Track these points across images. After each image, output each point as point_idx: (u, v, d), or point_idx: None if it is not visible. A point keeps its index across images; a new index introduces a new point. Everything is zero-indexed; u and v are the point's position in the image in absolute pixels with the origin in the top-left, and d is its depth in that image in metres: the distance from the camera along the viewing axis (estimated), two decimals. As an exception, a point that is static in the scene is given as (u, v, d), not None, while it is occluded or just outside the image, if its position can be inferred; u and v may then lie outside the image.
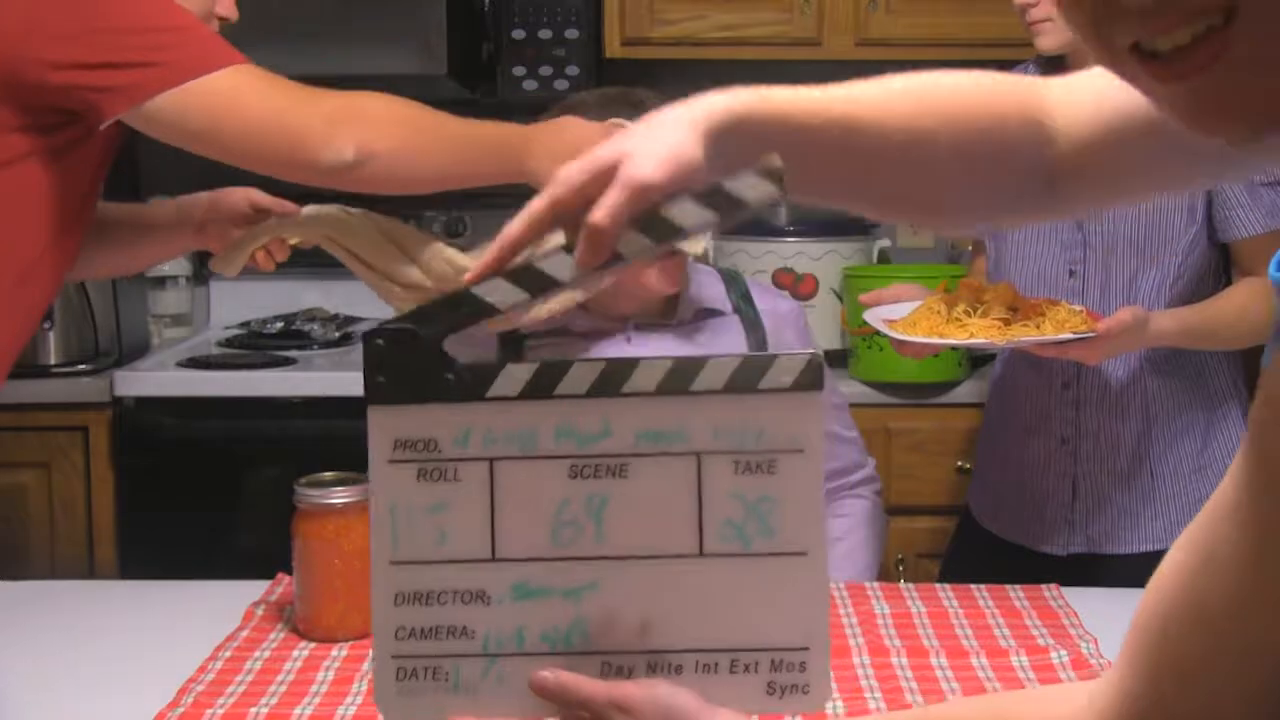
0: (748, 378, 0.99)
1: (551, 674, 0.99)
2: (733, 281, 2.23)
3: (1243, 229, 2.09)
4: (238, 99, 1.73)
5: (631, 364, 0.99)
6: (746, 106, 1.05)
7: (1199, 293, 2.12)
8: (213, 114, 1.73)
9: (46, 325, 2.92)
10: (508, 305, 1.00)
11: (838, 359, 2.95)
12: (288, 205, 1.95)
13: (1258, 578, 0.72)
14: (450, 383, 1.00)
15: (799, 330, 2.24)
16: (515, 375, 1.00)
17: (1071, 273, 2.15)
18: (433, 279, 1.93)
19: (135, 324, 3.13)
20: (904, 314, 2.06)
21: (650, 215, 0.98)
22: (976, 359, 2.93)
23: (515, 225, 1.01)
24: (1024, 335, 1.94)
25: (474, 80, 3.14)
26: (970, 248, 2.50)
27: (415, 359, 1.00)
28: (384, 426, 1.01)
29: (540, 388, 0.99)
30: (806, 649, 1.00)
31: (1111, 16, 0.71)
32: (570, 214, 1.00)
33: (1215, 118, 0.72)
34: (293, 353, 3.10)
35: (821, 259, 3.04)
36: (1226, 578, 0.73)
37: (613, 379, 0.99)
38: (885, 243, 3.16)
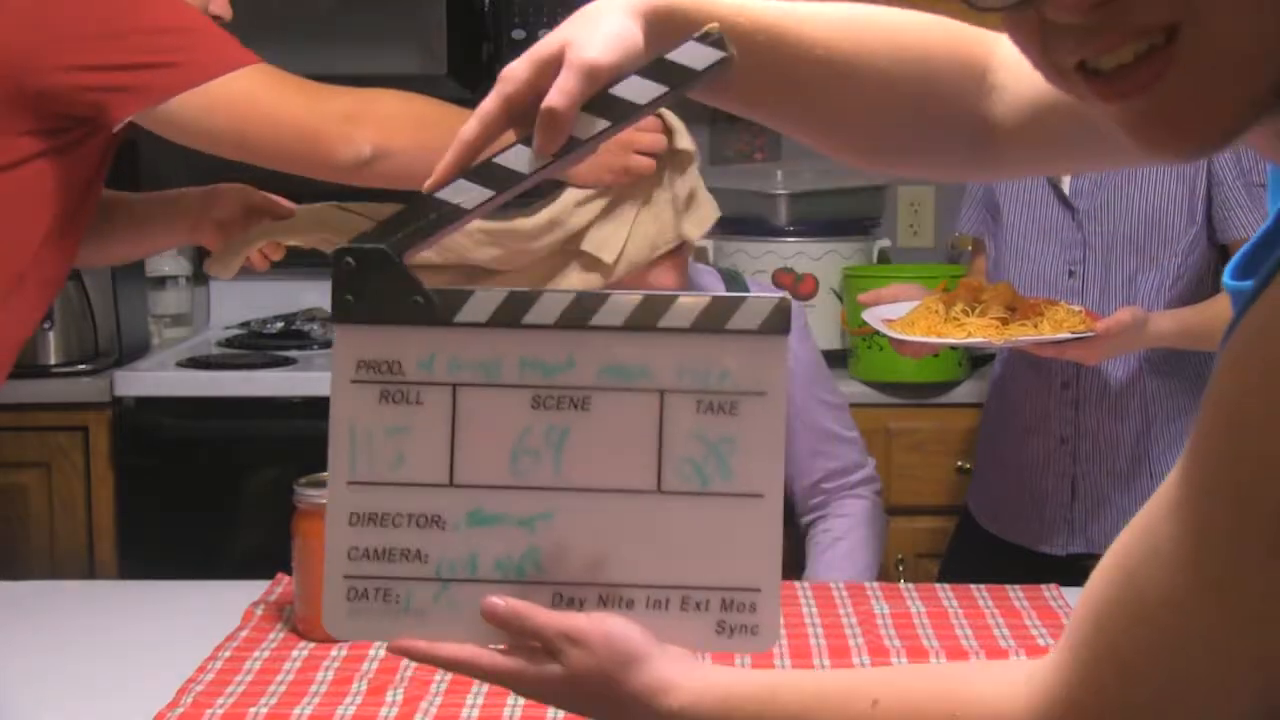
0: (715, 318, 0.99)
1: (503, 601, 0.99)
2: (732, 281, 2.24)
3: (1242, 229, 2.09)
4: (254, 99, 1.74)
5: (601, 297, 0.99)
6: (680, 1, 1.04)
7: (1199, 293, 2.13)
8: (229, 114, 1.74)
9: (46, 325, 2.92)
10: (473, 204, 1.00)
11: (838, 359, 2.95)
12: (282, 203, 1.95)
13: (1197, 576, 0.73)
14: (418, 305, 1.00)
15: (798, 330, 2.24)
16: (484, 302, 1.00)
17: (1071, 273, 2.15)
18: (445, 255, 1.92)
19: (135, 324, 3.13)
20: (902, 314, 2.06)
21: (602, 96, 0.99)
22: (976, 359, 2.93)
23: (469, 126, 1.01)
24: (1022, 335, 1.94)
25: (474, 80, 3.14)
26: (970, 248, 2.50)
27: (385, 280, 1.00)
28: (349, 345, 1.01)
29: (508, 316, 1.00)
30: (758, 590, 1.00)
31: (1055, 37, 0.72)
32: (522, 109, 1.01)
33: (1159, 135, 0.73)
34: (293, 353, 3.10)
35: (821, 259, 3.04)
36: (1166, 573, 0.74)
37: (581, 311, 0.99)
38: (885, 243, 3.16)
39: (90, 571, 2.91)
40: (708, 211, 2.00)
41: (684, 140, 1.95)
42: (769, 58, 1.06)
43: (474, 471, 1.00)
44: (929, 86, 1.10)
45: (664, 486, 1.00)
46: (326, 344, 3.19)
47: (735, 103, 1.11)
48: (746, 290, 2.22)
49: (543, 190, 1.94)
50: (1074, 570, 2.05)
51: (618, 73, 0.99)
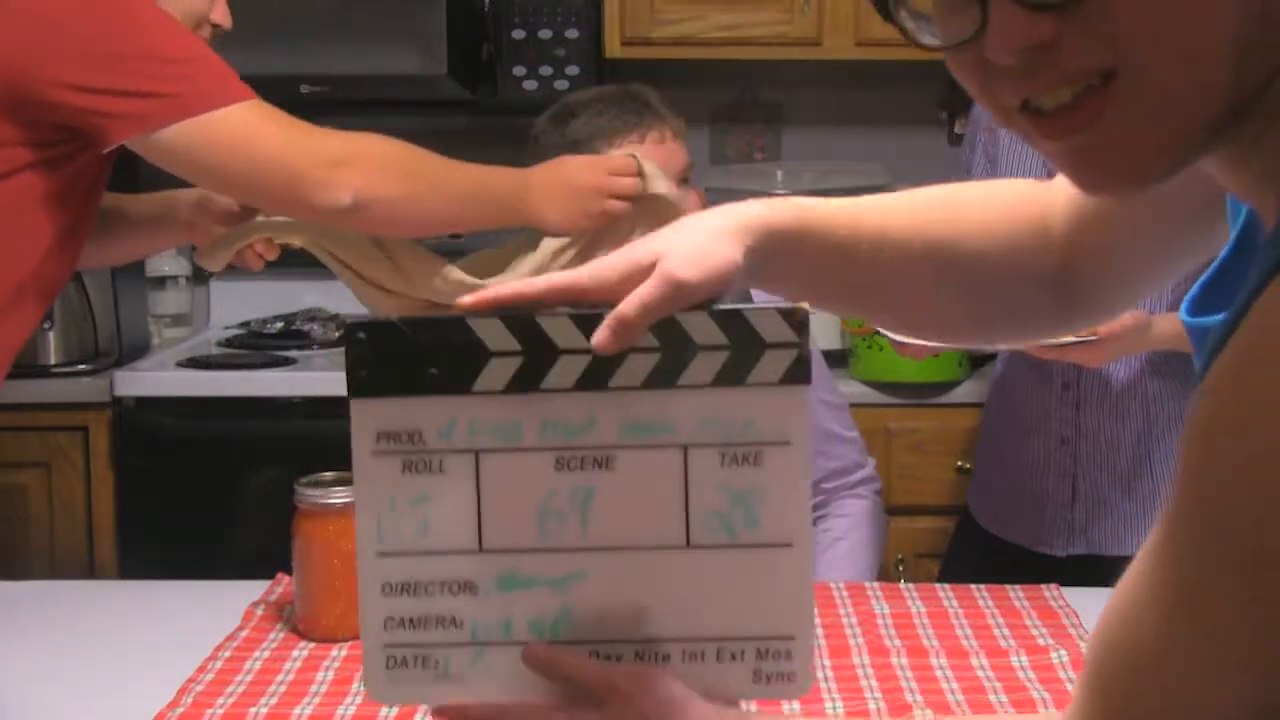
0: (735, 372, 0.99)
1: (543, 647, 1.00)
2: (733, 281, 2.23)
3: None
4: (242, 136, 1.76)
5: (618, 359, 0.98)
6: (782, 220, 1.05)
7: None
8: (217, 150, 1.76)
9: (46, 325, 2.92)
10: (496, 348, 0.99)
11: (838, 359, 2.95)
12: None
13: (1179, 624, 0.72)
14: (434, 376, 1.00)
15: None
16: (500, 370, 0.99)
17: None
18: (421, 291, 1.93)
19: (135, 324, 3.13)
20: None
21: (668, 319, 0.98)
22: (976, 359, 2.93)
23: (534, 285, 1.00)
24: None
25: (474, 80, 3.14)
26: None
27: (398, 353, 1.00)
28: (367, 418, 1.01)
29: (526, 382, 0.99)
30: (792, 638, 1.00)
31: (995, 78, 0.73)
32: (595, 302, 1.00)
33: (1098, 172, 0.75)
34: (293, 353, 3.10)
35: (821, 259, 3.04)
36: (1153, 621, 0.74)
37: (599, 373, 0.99)
38: (885, 243, 3.16)
39: (90, 571, 2.91)
40: None
41: (658, 185, 1.95)
42: (870, 262, 1.08)
43: (502, 536, 1.00)
44: (1009, 255, 1.11)
45: (693, 541, 1.00)
46: (326, 344, 3.19)
47: (843, 308, 1.16)
48: (746, 290, 2.22)
49: (518, 231, 1.96)
50: (1075, 571, 2.05)
51: (704, 293, 0.99)
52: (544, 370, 0.99)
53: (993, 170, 2.22)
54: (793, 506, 0.99)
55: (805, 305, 1.00)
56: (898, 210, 1.11)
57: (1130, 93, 0.71)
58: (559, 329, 0.99)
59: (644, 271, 0.98)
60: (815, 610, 1.02)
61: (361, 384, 1.00)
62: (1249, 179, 0.77)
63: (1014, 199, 1.13)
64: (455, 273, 1.92)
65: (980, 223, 1.11)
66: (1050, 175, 2.27)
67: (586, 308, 0.99)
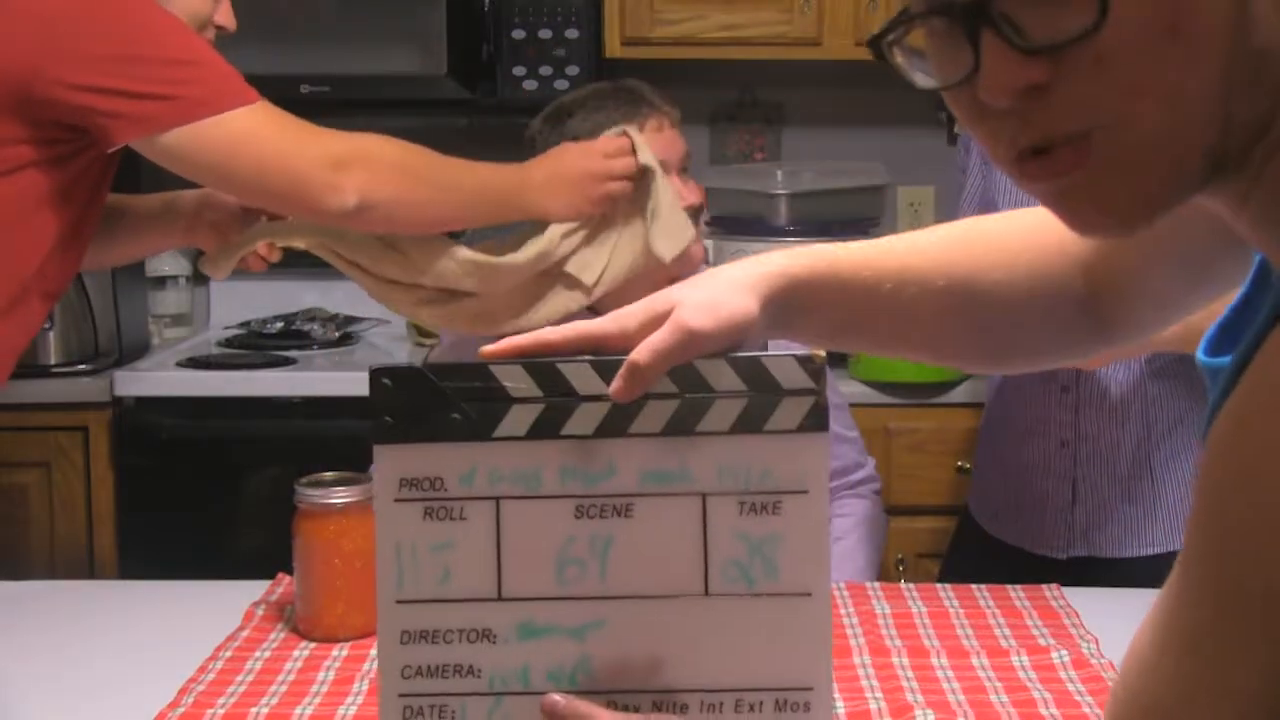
0: (753, 419, 0.99)
1: (563, 698, 1.00)
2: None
3: None
4: (247, 138, 1.77)
5: (637, 405, 0.99)
6: (804, 268, 1.06)
7: None
8: (222, 153, 1.77)
9: (46, 325, 2.92)
10: (519, 395, 1.00)
11: (838, 359, 2.95)
12: None
13: (1191, 677, 0.71)
14: (456, 422, 1.00)
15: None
16: (522, 415, 1.00)
17: None
18: (433, 279, 1.94)
19: (135, 324, 3.13)
20: None
21: (686, 366, 0.99)
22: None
23: (556, 333, 1.02)
24: None
25: (474, 80, 3.14)
26: None
27: (421, 398, 1.00)
28: (390, 465, 1.01)
29: (547, 427, 0.99)
30: (810, 689, 1.00)
31: (989, 116, 0.74)
32: (613, 348, 1.02)
33: (1087, 213, 0.75)
34: (293, 353, 3.10)
35: (821, 259, 3.04)
36: (1173, 672, 0.72)
37: (618, 420, 0.99)
38: (885, 243, 3.16)
39: (90, 571, 2.91)
40: (677, 225, 2.00)
41: (645, 155, 1.98)
42: (894, 302, 1.08)
43: (522, 584, 1.00)
44: (1036, 283, 1.11)
45: (711, 589, 1.00)
46: (326, 344, 3.19)
47: (870, 348, 1.15)
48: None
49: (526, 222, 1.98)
50: (1074, 573, 2.04)
51: (717, 342, 1.00)
52: (565, 416, 0.99)
53: (988, 171, 2.22)
54: (811, 556, 0.99)
55: (822, 352, 1.00)
56: (918, 248, 1.11)
57: (1113, 137, 0.71)
58: (579, 375, 0.99)
59: (661, 320, 0.99)
60: (831, 661, 1.02)
61: (386, 430, 1.00)
62: (1249, 219, 0.76)
63: (1036, 227, 1.12)
64: (464, 252, 1.94)
65: (1003, 253, 1.11)
66: None
67: (607, 355, 1.00)
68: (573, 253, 1.98)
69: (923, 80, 0.76)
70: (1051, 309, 1.12)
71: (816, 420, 0.99)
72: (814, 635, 1.00)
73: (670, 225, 2.00)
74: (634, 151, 1.97)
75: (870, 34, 0.77)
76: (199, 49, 1.80)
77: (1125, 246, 1.07)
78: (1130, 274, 1.09)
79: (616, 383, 0.98)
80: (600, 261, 1.99)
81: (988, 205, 2.25)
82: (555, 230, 1.96)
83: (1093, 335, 1.15)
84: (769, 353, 1.01)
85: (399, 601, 1.01)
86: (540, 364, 1.00)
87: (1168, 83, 0.70)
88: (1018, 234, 1.13)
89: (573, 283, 1.99)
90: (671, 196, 2.01)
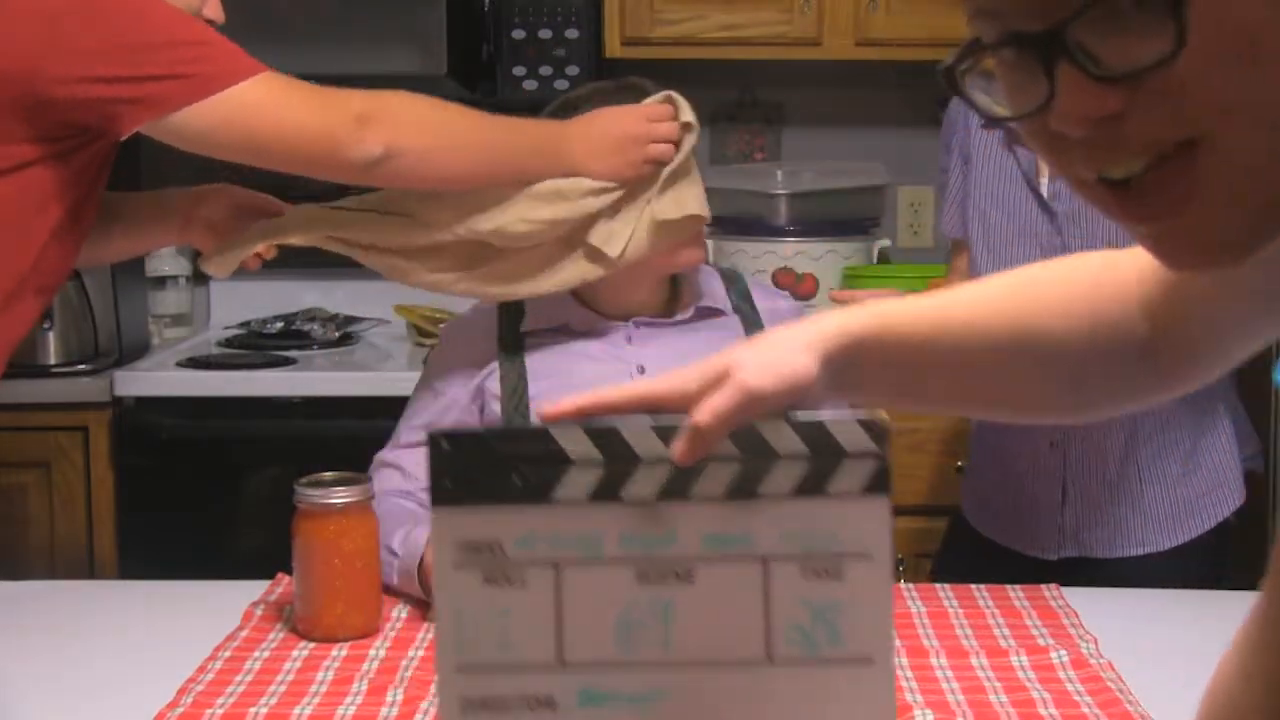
0: (815, 482, 0.98)
1: None
2: (733, 281, 2.23)
3: None
4: (264, 107, 1.77)
5: (698, 468, 0.98)
6: (861, 325, 1.05)
7: None
8: (241, 124, 1.76)
9: (46, 325, 2.92)
10: (577, 457, 0.99)
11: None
12: (272, 203, 1.96)
13: None
14: (515, 485, 0.99)
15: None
16: (581, 477, 0.99)
17: None
18: (460, 233, 1.92)
19: (135, 324, 3.13)
20: None
21: (748, 428, 0.98)
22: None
23: (613, 394, 1.02)
24: None
25: (474, 80, 3.14)
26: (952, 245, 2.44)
27: (480, 461, 0.99)
28: (449, 529, 1.00)
29: (607, 491, 0.99)
30: None
31: (1066, 147, 0.71)
32: (670, 408, 1.01)
33: (1185, 253, 0.72)
34: (293, 353, 3.10)
35: (821, 259, 3.04)
36: (1258, 696, 0.70)
37: (680, 483, 0.98)
38: (885, 243, 3.15)
39: (90, 571, 2.91)
40: (691, 196, 2.00)
41: (686, 114, 1.97)
42: (957, 355, 1.08)
43: (583, 650, 1.00)
44: (1097, 329, 1.10)
45: (773, 655, 0.99)
46: (326, 344, 3.19)
47: (928, 406, 1.15)
48: (746, 289, 2.22)
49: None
50: (1065, 573, 2.04)
51: (777, 403, 0.99)
52: (625, 480, 0.99)
53: (968, 170, 2.21)
54: (875, 621, 0.98)
55: (885, 415, 0.99)
56: (977, 301, 1.10)
57: (1212, 169, 0.68)
58: (640, 438, 0.98)
59: (720, 381, 0.99)
60: None
61: (445, 493, 1.00)
62: None
63: (1094, 274, 1.11)
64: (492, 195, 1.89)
65: (1060, 302, 1.10)
66: (1030, 184, 2.24)
67: (665, 416, 0.99)
68: (595, 217, 1.95)
69: (998, 111, 0.73)
70: (1113, 357, 1.11)
71: (880, 484, 0.98)
72: (876, 702, 0.99)
73: (683, 194, 1.99)
74: (676, 117, 1.96)
75: (943, 63, 0.75)
76: (200, 29, 1.80)
77: (1189, 290, 1.05)
78: (1196, 318, 1.07)
79: (678, 445, 0.98)
80: (625, 233, 1.96)
81: (967, 204, 2.23)
82: (582, 184, 1.92)
83: (1156, 382, 1.13)
84: (831, 414, 1.00)
85: (459, 668, 1.00)
86: (600, 427, 0.99)
87: (1251, 104, 0.67)
88: (1076, 282, 1.12)
89: (595, 254, 1.97)
90: (696, 171, 2.01)
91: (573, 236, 1.96)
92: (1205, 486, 2.14)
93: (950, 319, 1.09)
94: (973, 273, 2.22)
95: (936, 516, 2.82)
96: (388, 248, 1.94)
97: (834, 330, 1.05)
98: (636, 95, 2.10)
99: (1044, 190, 2.11)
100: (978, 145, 2.19)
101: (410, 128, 1.80)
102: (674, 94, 1.99)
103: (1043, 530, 2.17)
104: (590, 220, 1.95)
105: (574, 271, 1.99)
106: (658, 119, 1.95)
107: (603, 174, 1.92)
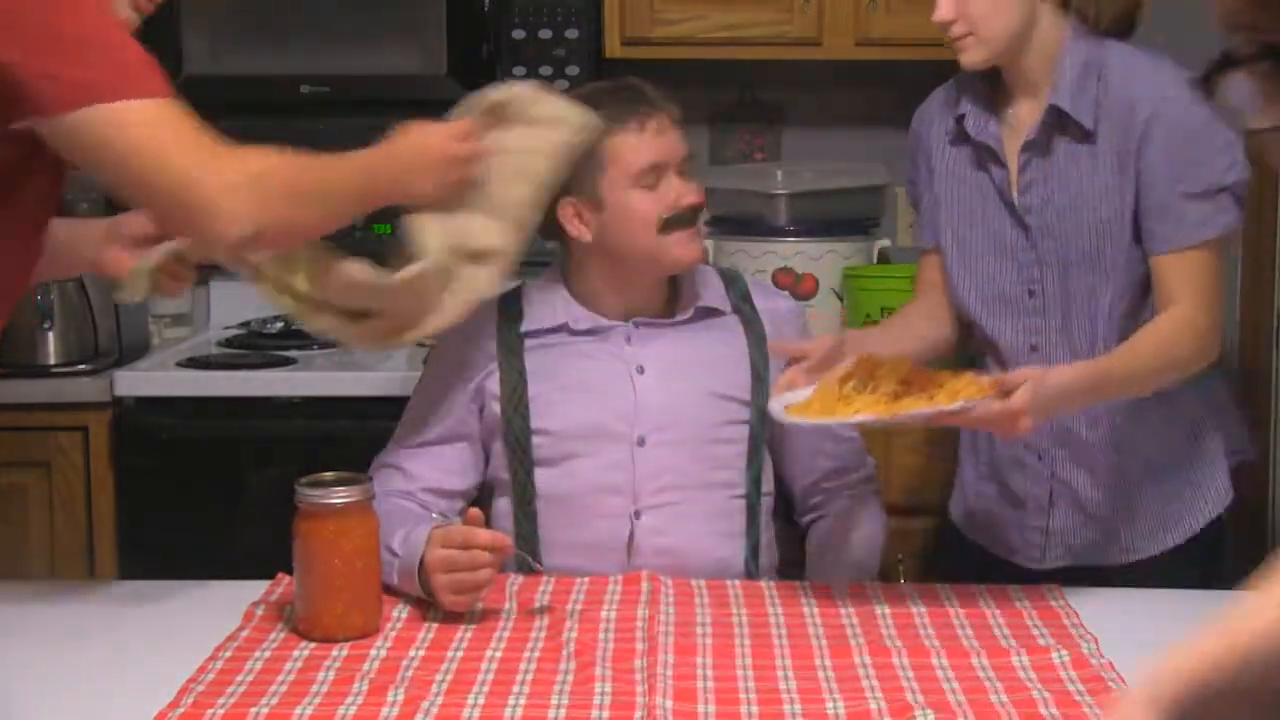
0: None
1: None
2: (732, 281, 2.23)
3: (1164, 244, 1.99)
4: (150, 133, 1.60)
5: None
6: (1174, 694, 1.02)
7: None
8: (120, 142, 1.60)
9: (46, 325, 2.92)
10: None
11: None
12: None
13: None
14: None
15: (798, 330, 2.24)
16: None
17: (1031, 292, 2.10)
18: (330, 294, 1.92)
19: (135, 324, 3.13)
20: (807, 395, 1.99)
21: None
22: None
23: None
24: (915, 408, 1.87)
25: (474, 80, 3.12)
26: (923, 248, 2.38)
27: None
28: None
29: None
30: None
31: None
32: None
33: None
34: (293, 353, 3.10)
35: (821, 259, 3.04)
36: None
37: None
38: (885, 243, 3.15)
39: (90, 571, 2.91)
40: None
41: (497, 94, 2.02)
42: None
43: None
44: None
45: None
46: (326, 344, 3.19)
47: None
48: (746, 290, 2.22)
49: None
50: (1055, 582, 2.02)
51: None
52: None
53: (930, 181, 2.20)
54: None
55: None
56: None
57: None
58: None
59: None
60: None
61: None
62: None
63: None
64: (356, 270, 1.90)
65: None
66: (1003, 197, 2.20)
67: None
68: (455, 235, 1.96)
69: (1254, 122, 0.72)
70: None
71: None
72: None
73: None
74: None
75: (1197, 75, 0.72)
76: (113, 33, 1.63)
77: None
78: None
79: None
80: (487, 217, 1.97)
81: (938, 215, 2.20)
82: (429, 240, 1.94)
83: None
84: None
85: None
86: None
87: None
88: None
89: (479, 256, 1.97)
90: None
91: (453, 259, 1.96)
92: (1193, 493, 2.13)
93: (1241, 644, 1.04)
94: (951, 290, 2.20)
95: (936, 517, 2.82)
96: (274, 279, 1.92)
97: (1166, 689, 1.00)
98: (634, 97, 2.10)
99: (1017, 203, 2.09)
100: (944, 160, 2.18)
101: (275, 201, 1.68)
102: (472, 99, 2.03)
103: (1030, 538, 2.16)
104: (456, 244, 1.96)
105: (469, 287, 1.98)
106: (465, 137, 1.96)
107: (434, 193, 1.93)
